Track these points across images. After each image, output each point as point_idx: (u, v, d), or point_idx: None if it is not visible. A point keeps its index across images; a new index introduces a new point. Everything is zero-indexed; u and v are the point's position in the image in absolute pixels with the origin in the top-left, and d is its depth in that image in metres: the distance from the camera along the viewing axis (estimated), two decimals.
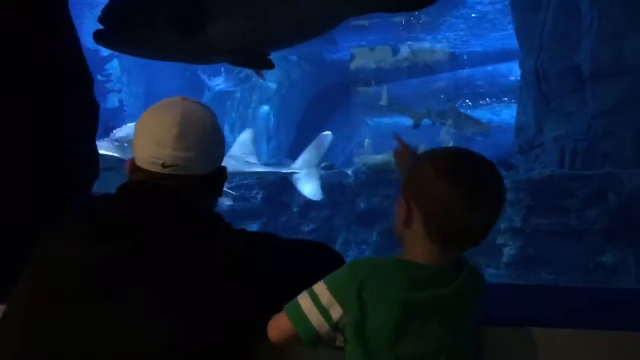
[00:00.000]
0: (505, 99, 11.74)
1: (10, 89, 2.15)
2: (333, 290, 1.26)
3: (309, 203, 8.74)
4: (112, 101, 13.44)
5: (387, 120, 12.83)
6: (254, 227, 8.78)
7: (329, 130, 8.16)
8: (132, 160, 1.49)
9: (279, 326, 1.33)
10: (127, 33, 2.54)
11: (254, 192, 9.02)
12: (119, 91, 13.98)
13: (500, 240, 7.30)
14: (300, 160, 8.23)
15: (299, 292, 1.35)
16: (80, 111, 2.52)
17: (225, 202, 7.95)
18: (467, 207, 1.24)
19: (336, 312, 1.26)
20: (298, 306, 1.29)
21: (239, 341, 1.35)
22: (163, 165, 1.41)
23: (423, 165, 1.30)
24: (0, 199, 2.11)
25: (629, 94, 6.88)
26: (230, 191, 7.68)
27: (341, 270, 1.31)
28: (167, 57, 2.80)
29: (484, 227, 1.28)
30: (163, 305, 1.29)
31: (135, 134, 1.49)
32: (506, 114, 11.14)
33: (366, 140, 12.73)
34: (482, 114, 11.91)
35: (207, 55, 2.65)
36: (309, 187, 8.04)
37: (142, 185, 1.43)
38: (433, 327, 1.28)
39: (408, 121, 12.48)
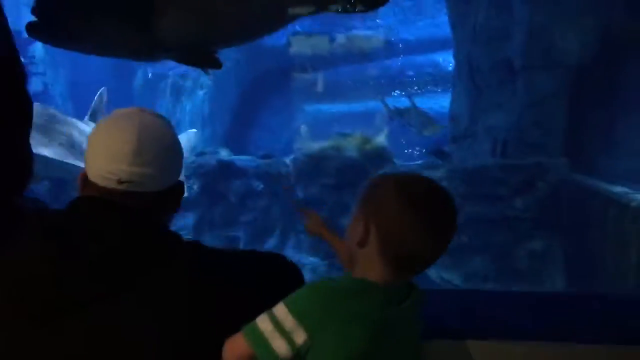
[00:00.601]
0: (439, 88, 11.97)
1: None
2: (296, 314, 1.24)
3: (246, 193, 8.68)
4: (36, 85, 12.86)
5: (326, 107, 12.86)
6: (190, 219, 8.63)
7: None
8: (84, 174, 1.42)
9: (236, 349, 1.30)
10: (62, 27, 2.39)
11: (190, 182, 8.84)
12: (44, 74, 13.38)
13: None
14: None
15: (258, 306, 1.33)
16: (11, 108, 2.39)
17: None
18: (425, 236, 1.27)
19: (300, 337, 1.24)
20: (258, 330, 1.27)
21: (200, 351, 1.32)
22: (118, 182, 1.35)
23: (387, 193, 1.30)
24: None
25: (558, 86, 7.15)
26: None
27: (303, 293, 1.30)
28: (106, 53, 2.66)
29: (437, 253, 1.31)
30: (126, 321, 1.25)
31: (88, 147, 1.41)
32: (440, 102, 11.36)
33: (303, 127, 12.73)
34: (417, 102, 12.13)
35: (149, 52, 2.54)
36: None
37: (93, 201, 1.35)
38: (391, 346, 1.29)
39: (345, 107, 12.59)
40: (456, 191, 7.43)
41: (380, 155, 8.42)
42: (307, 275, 6.80)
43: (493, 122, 7.93)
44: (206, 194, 8.79)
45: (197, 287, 1.33)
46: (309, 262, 8.05)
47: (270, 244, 8.41)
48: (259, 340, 1.26)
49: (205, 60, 2.55)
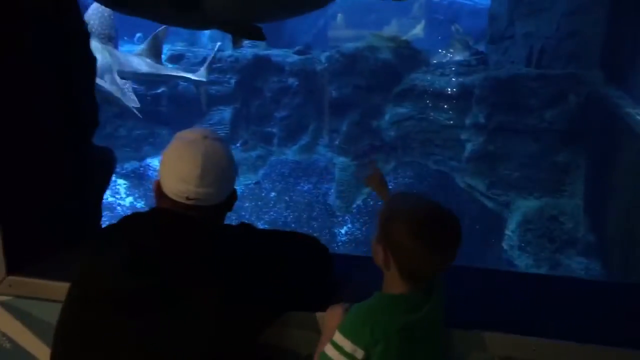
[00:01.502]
0: None
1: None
2: (352, 339, 1.60)
3: (282, 89, 8.90)
4: None
5: None
6: (227, 113, 8.96)
7: None
8: (159, 184, 1.76)
9: None
10: None
11: (228, 76, 9.07)
12: None
13: (464, 136, 7.71)
14: (204, 70, 8.74)
15: (293, 289, 1.76)
16: (80, 64, 2.68)
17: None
18: (433, 257, 1.59)
19: (359, 354, 1.60)
20: (328, 357, 1.62)
21: (257, 327, 1.71)
22: (187, 198, 1.70)
23: (398, 229, 1.59)
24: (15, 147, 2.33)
25: None
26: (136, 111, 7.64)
27: (351, 319, 1.64)
28: (163, 21, 2.88)
29: (446, 265, 1.62)
30: (198, 313, 1.61)
31: (162, 166, 1.75)
32: None
33: (339, 15, 12.56)
34: None
35: (202, 24, 2.75)
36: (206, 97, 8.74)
37: (171, 217, 1.72)
38: (424, 338, 1.67)
39: None
40: (487, 100, 7.57)
41: (413, 57, 8.44)
42: (337, 173, 7.28)
43: (532, 28, 7.82)
44: (243, 88, 9.05)
45: (251, 275, 1.71)
46: (339, 162, 8.42)
47: (303, 141, 8.75)
48: None
49: (250, 32, 2.74)
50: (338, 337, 1.62)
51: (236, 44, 3.18)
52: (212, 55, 8.79)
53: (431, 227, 1.58)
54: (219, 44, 9.02)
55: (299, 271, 1.86)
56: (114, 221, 1.87)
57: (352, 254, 5.53)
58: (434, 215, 1.61)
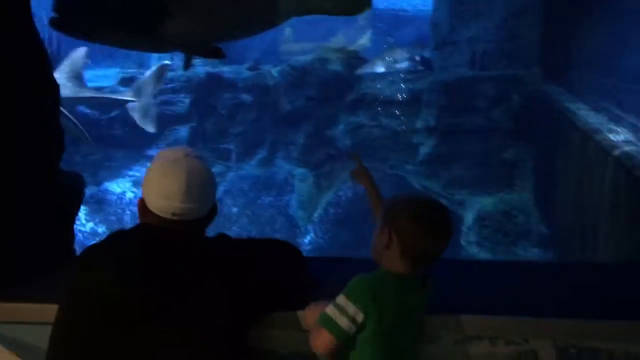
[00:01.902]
0: None
1: None
2: (355, 302, 1.77)
3: (236, 105, 8.99)
4: None
5: None
6: (184, 132, 8.99)
7: None
8: (143, 202, 1.87)
9: (322, 339, 1.80)
10: (84, 23, 2.70)
11: (182, 95, 9.11)
12: None
13: (416, 140, 7.99)
14: (135, 88, 8.47)
15: (274, 285, 1.92)
16: (45, 89, 2.74)
17: None
18: (432, 242, 1.80)
19: (360, 317, 1.76)
20: (330, 318, 1.78)
21: (246, 322, 1.85)
22: (173, 214, 1.82)
23: (402, 209, 1.83)
24: None
25: None
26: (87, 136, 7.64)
27: (355, 286, 1.80)
28: (124, 47, 2.97)
29: (441, 251, 1.83)
30: (182, 323, 1.72)
31: (146, 184, 1.87)
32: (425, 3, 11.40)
33: (287, 29, 12.71)
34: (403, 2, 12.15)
35: (161, 47, 2.86)
36: (144, 117, 8.34)
37: (156, 232, 1.84)
38: (413, 319, 1.87)
39: None
40: (436, 103, 7.87)
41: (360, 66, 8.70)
42: (297, 184, 7.38)
43: (473, 32, 8.16)
44: (197, 107, 9.09)
45: (232, 277, 1.82)
46: (298, 173, 8.56)
47: (260, 155, 8.85)
48: (334, 325, 1.76)
49: (210, 51, 2.87)
50: (342, 300, 1.79)
51: (187, 66, 3.28)
52: (150, 74, 8.54)
53: (429, 211, 1.83)
54: (154, 66, 8.83)
55: (277, 269, 2.00)
56: (95, 241, 1.96)
57: (324, 256, 5.68)
58: (431, 203, 1.89)
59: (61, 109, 2.78)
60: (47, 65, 2.78)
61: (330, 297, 1.88)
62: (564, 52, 6.99)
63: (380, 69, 8.93)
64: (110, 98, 8.44)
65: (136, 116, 8.32)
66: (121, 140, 8.89)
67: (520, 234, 7.21)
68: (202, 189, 1.86)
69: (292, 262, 2.13)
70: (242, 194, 8.63)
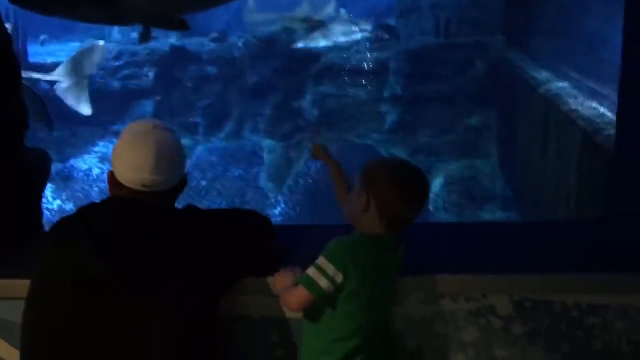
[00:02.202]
0: None
1: None
2: (335, 264, 1.82)
3: (202, 77, 8.91)
4: None
5: None
6: (149, 106, 8.88)
7: None
8: (113, 174, 1.89)
9: (298, 296, 1.86)
10: None
11: (145, 69, 8.98)
12: None
13: (383, 109, 8.06)
14: (62, 68, 8.00)
15: (245, 254, 1.96)
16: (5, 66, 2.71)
17: None
18: (409, 206, 1.86)
19: (339, 278, 1.82)
20: (311, 279, 1.83)
21: (219, 289, 1.89)
22: (143, 185, 1.85)
23: (380, 173, 1.87)
24: None
25: None
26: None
27: (335, 247, 1.86)
28: (83, 20, 2.92)
29: (416, 214, 1.88)
30: (154, 295, 1.75)
31: (115, 156, 1.88)
32: None
33: None
34: None
35: (120, 19, 2.82)
36: (75, 99, 7.92)
37: (127, 203, 1.87)
38: (388, 280, 1.93)
39: None
40: (402, 71, 7.93)
41: (328, 37, 8.67)
42: (266, 156, 7.41)
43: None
44: (161, 80, 8.98)
45: (202, 248, 1.86)
46: (266, 145, 8.57)
47: (228, 128, 8.83)
48: (313, 284, 1.82)
49: (173, 23, 2.85)
50: (322, 261, 1.84)
51: (144, 39, 3.23)
52: (80, 53, 8.09)
53: (406, 175, 1.88)
54: (87, 44, 8.45)
55: (247, 238, 2.05)
56: (68, 214, 1.98)
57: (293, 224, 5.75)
58: (408, 167, 1.92)
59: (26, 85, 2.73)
60: (6, 42, 2.75)
61: (298, 264, 1.95)
62: (526, 18, 7.08)
63: (323, 42, 8.76)
64: (38, 79, 7.84)
65: (67, 97, 7.85)
66: (85, 116, 8.75)
67: (486, 198, 7.39)
68: (171, 160, 1.88)
69: (262, 231, 2.17)
70: (210, 167, 8.62)
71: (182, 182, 1.99)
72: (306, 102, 8.46)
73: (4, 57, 2.71)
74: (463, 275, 2.00)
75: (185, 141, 8.78)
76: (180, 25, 2.87)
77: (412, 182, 1.86)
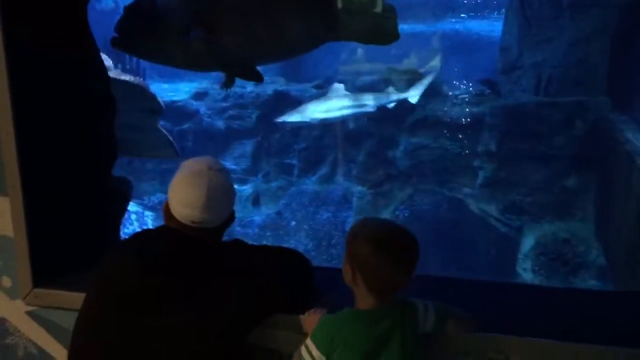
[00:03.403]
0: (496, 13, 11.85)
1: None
2: (318, 346, 1.85)
3: (299, 125, 9.26)
4: None
5: None
6: (249, 147, 9.32)
7: None
8: (168, 206, 2.06)
9: None
10: (138, 42, 3.01)
11: (249, 111, 9.47)
12: None
13: (476, 163, 7.93)
14: None
15: (281, 290, 2.05)
16: (101, 104, 3.04)
17: None
18: (395, 273, 1.80)
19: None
20: (302, 356, 1.88)
21: (250, 320, 2.00)
22: (192, 222, 2.01)
23: (362, 248, 1.80)
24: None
25: (604, 24, 7.20)
26: None
27: (319, 329, 1.88)
28: (171, 64, 3.23)
29: (408, 278, 1.82)
30: (189, 317, 1.89)
31: (171, 191, 2.05)
32: (491, 26, 11.33)
33: (359, 50, 12.94)
34: (475, 24, 12.12)
35: (207, 67, 3.12)
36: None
37: (177, 234, 2.03)
38: (391, 351, 1.83)
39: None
40: (499, 127, 7.81)
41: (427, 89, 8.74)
42: (355, 202, 7.48)
43: (539, 57, 8.06)
44: (263, 122, 9.42)
45: (240, 278, 1.98)
46: (357, 191, 8.69)
47: (322, 172, 9.05)
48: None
49: (251, 75, 3.09)
50: (308, 342, 1.88)
51: (227, 85, 3.50)
52: None
53: (390, 244, 1.79)
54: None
55: (285, 275, 2.15)
56: (126, 238, 2.19)
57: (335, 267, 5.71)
58: (392, 234, 1.83)
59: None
60: (106, 80, 3.10)
61: (333, 304, 2.01)
62: (632, 80, 6.79)
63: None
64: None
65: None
66: (190, 151, 9.35)
67: (579, 264, 7.01)
68: (220, 202, 2.02)
69: (301, 270, 2.27)
70: (301, 207, 8.85)
71: (230, 218, 2.13)
72: (399, 152, 8.53)
73: (103, 96, 3.05)
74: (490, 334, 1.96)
75: (280, 182, 9.14)
76: (256, 77, 3.10)
77: (396, 247, 1.78)
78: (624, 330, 2.03)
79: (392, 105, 8.54)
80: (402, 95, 8.55)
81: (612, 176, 6.41)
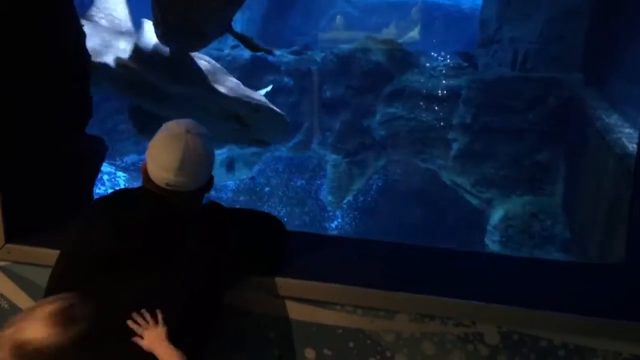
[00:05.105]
0: None
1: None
2: None
3: (277, 88, 9.19)
4: None
5: None
6: None
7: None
8: (146, 167, 2.06)
9: None
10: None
11: None
12: None
13: (450, 135, 8.03)
14: None
15: (254, 252, 2.09)
16: (75, 62, 3.00)
17: None
18: None
19: None
20: None
21: (225, 282, 2.03)
22: (166, 184, 2.01)
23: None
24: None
25: (582, 2, 7.26)
26: None
27: None
28: None
29: None
30: (174, 270, 1.93)
31: (148, 153, 2.05)
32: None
33: (339, 17, 12.84)
34: None
35: None
36: None
37: (154, 197, 2.04)
38: None
39: None
40: (474, 101, 7.89)
41: (405, 59, 8.74)
42: (330, 170, 7.50)
43: (517, 32, 8.10)
44: None
45: (215, 241, 2.01)
46: (331, 159, 8.72)
47: (296, 139, 9.05)
48: None
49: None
50: None
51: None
52: None
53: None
54: None
55: (259, 239, 2.19)
56: (103, 195, 2.19)
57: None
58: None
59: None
60: (77, 40, 3.04)
61: (301, 270, 2.05)
62: (607, 59, 6.89)
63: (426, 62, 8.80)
64: None
65: None
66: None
67: (546, 238, 7.20)
68: (196, 166, 2.01)
69: (275, 233, 2.31)
70: (275, 174, 8.87)
71: (208, 183, 2.13)
72: (375, 122, 8.56)
73: (73, 55, 3.00)
74: (453, 299, 2.04)
75: (254, 148, 9.12)
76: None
77: None
78: (585, 298, 2.12)
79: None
80: None
81: (581, 152, 6.55)
